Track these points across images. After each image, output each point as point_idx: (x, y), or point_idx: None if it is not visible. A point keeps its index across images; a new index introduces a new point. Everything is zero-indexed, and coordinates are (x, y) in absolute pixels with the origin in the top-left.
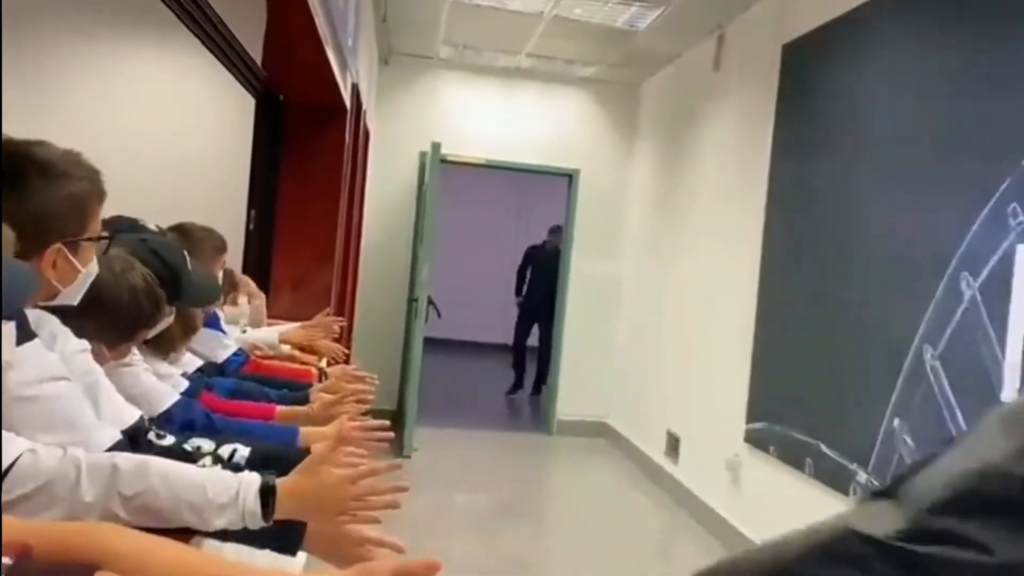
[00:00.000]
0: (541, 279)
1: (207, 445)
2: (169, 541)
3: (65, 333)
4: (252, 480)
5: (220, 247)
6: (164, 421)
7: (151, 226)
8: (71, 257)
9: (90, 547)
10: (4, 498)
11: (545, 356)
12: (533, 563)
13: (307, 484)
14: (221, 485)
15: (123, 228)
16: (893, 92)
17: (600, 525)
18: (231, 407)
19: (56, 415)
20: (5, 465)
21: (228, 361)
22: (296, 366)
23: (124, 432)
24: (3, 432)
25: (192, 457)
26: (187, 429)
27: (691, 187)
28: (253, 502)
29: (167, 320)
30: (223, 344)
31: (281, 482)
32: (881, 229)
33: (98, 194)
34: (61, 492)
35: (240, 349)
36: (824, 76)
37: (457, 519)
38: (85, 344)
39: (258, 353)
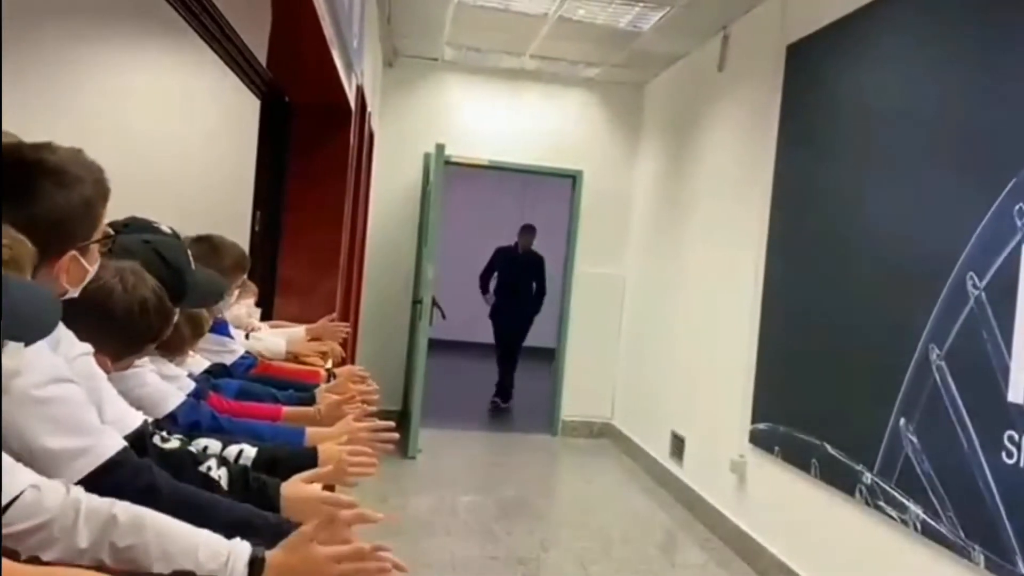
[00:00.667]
0: (510, 282)
1: (213, 446)
2: None
3: (68, 336)
4: (243, 550)
5: (242, 263)
6: (170, 422)
7: (165, 228)
8: (81, 260)
9: None
10: (5, 531)
11: (508, 366)
12: (537, 564)
13: (294, 560)
14: (212, 550)
15: (137, 230)
16: (898, 92)
17: (604, 526)
18: (238, 408)
19: (65, 418)
20: (7, 499)
21: (236, 364)
22: (302, 367)
23: (128, 438)
24: (7, 463)
25: (198, 458)
26: (193, 430)
27: (695, 188)
28: (242, 572)
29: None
30: (230, 349)
31: (269, 555)
32: (886, 229)
33: (104, 193)
34: (57, 534)
35: (248, 352)
36: (829, 76)
37: (461, 520)
38: (88, 347)
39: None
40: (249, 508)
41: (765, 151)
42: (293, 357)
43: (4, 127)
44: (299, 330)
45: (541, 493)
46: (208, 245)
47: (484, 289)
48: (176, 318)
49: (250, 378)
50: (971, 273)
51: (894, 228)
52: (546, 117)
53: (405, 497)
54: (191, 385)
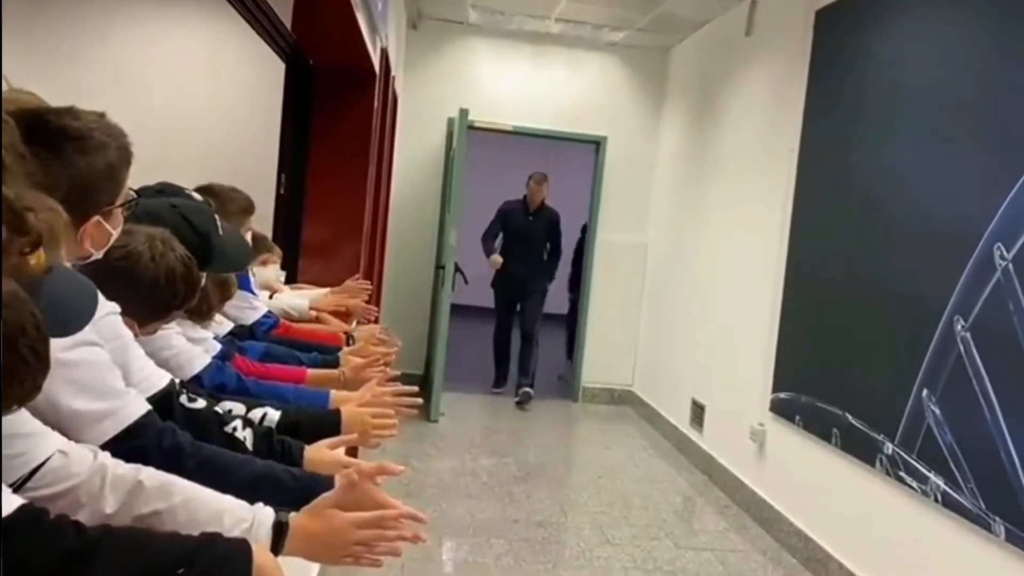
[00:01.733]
0: (521, 247)
1: (238, 408)
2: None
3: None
4: (266, 515)
5: (247, 207)
6: (196, 384)
7: (196, 196)
8: (105, 224)
9: None
10: (32, 494)
11: (527, 349)
12: (556, 527)
13: (316, 526)
14: (237, 516)
15: (170, 195)
16: (927, 58)
17: (623, 491)
18: (263, 370)
19: (91, 381)
20: (37, 463)
21: (258, 324)
22: (325, 329)
23: (154, 397)
24: (41, 428)
25: (223, 419)
26: (219, 392)
27: (719, 155)
28: (266, 538)
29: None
30: (252, 305)
31: (293, 520)
32: (913, 197)
33: (127, 158)
34: (84, 499)
35: (270, 312)
36: (857, 42)
37: (482, 482)
38: (115, 307)
39: (288, 319)
40: (273, 464)
41: (791, 118)
42: (315, 317)
43: (29, 87)
44: (322, 292)
45: (561, 458)
46: (210, 194)
47: (488, 251)
48: (203, 284)
49: (271, 339)
50: (998, 244)
51: (921, 198)
52: (570, 82)
53: (427, 460)
54: (217, 347)
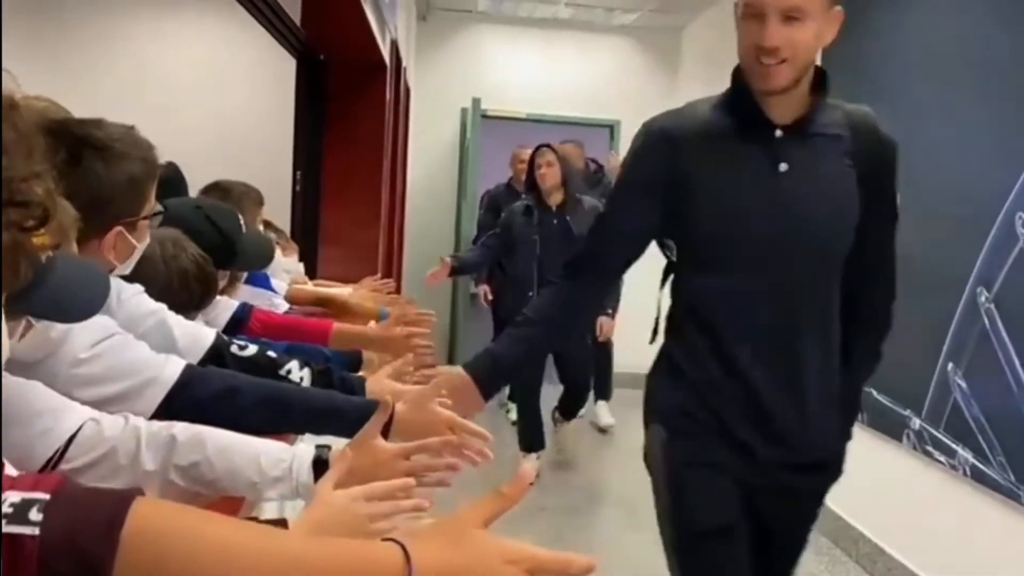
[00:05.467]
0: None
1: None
2: (214, 515)
3: (117, 282)
4: (306, 453)
5: (259, 200)
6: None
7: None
8: (129, 236)
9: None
10: (69, 465)
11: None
12: (586, 514)
13: (359, 461)
14: (274, 457)
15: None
16: (946, 30)
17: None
18: (285, 321)
19: (118, 365)
20: (71, 433)
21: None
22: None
23: (204, 357)
24: (65, 401)
25: (277, 361)
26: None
27: None
28: (307, 475)
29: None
30: (273, 304)
31: (333, 454)
32: (934, 170)
33: (153, 172)
34: (123, 461)
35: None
36: (872, 17)
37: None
38: (138, 287)
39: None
40: (332, 394)
41: None
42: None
43: (49, 94)
44: (345, 290)
45: (591, 444)
46: (219, 192)
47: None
48: (217, 285)
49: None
50: (1020, 213)
51: (942, 169)
52: (582, 67)
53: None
54: (233, 306)
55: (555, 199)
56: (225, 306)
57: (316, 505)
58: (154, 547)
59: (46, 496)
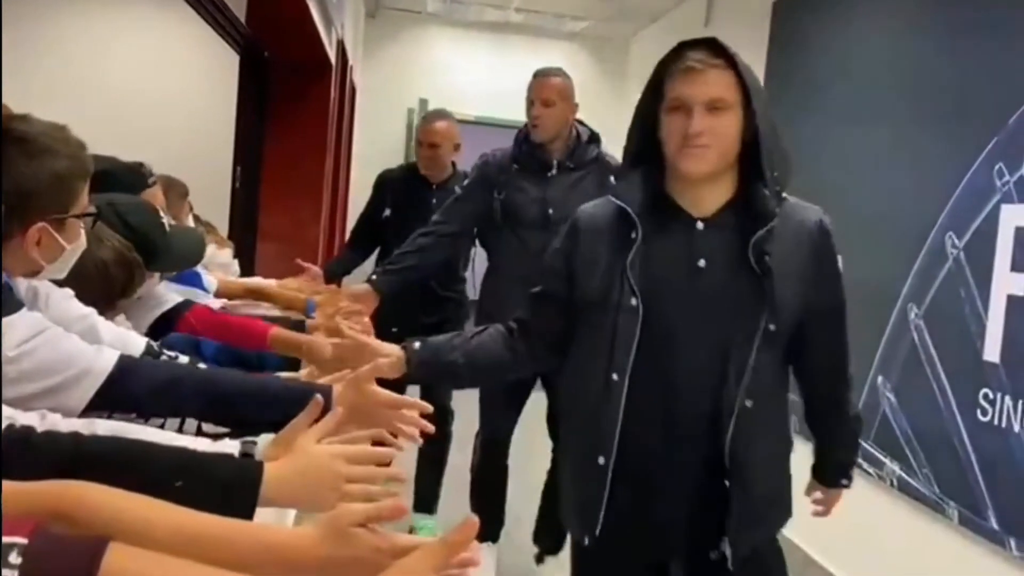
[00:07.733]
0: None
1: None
2: (158, 502)
3: (47, 285)
4: (232, 449)
5: (183, 192)
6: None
7: (152, 170)
8: (55, 234)
9: (61, 502)
10: None
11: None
12: None
13: (289, 464)
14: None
15: (118, 172)
16: (882, 50)
17: None
18: (224, 319)
19: (50, 359)
20: None
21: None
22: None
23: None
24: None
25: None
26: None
27: None
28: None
29: (152, 282)
30: (203, 303)
31: (260, 450)
32: (868, 186)
33: (82, 171)
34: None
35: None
36: (814, 33)
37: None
38: (69, 291)
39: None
40: (280, 381)
41: None
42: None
43: None
44: (273, 283)
45: None
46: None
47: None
48: (143, 271)
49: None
50: (950, 233)
51: (875, 187)
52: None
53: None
54: (171, 301)
55: None
56: (163, 299)
57: (297, 453)
58: None
59: (24, 540)
